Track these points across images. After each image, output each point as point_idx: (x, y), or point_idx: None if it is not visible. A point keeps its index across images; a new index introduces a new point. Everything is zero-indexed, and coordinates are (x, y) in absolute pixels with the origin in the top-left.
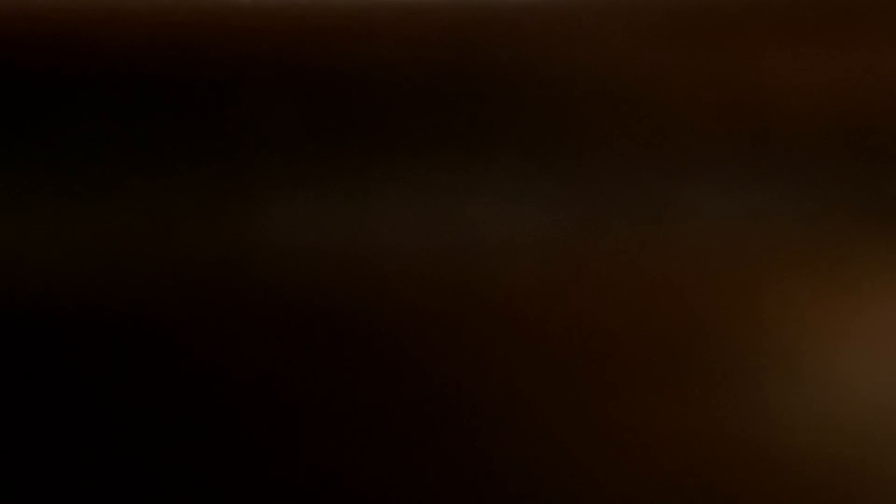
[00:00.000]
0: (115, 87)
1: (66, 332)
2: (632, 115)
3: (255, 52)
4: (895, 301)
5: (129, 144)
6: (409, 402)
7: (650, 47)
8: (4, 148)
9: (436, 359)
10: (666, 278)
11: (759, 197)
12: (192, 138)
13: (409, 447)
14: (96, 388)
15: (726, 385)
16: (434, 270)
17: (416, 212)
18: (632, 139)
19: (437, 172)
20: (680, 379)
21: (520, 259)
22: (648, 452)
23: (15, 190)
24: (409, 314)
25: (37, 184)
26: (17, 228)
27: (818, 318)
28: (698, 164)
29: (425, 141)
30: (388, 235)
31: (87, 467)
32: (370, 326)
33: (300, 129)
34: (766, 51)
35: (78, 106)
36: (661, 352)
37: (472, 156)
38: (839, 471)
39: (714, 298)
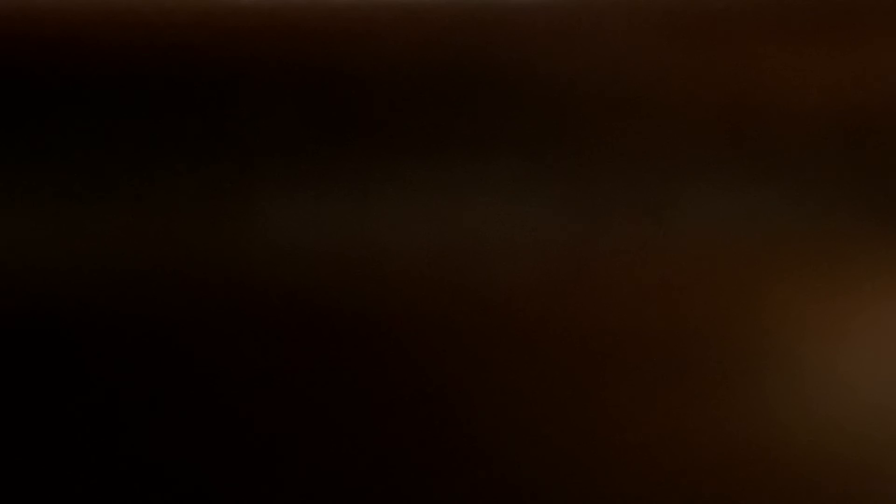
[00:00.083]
0: (115, 87)
1: (66, 332)
2: (632, 115)
3: (255, 52)
4: (895, 301)
5: (129, 144)
6: (408, 402)
7: (650, 47)
8: (4, 148)
9: (436, 359)
10: (666, 278)
11: (759, 197)
12: (192, 138)
13: (409, 447)
14: (96, 388)
15: (726, 385)
16: (434, 270)
17: (416, 212)
18: (632, 139)
19: (437, 172)
20: (680, 379)
21: (520, 259)
22: (648, 452)
23: (15, 190)
24: (409, 314)
25: (37, 184)
26: (17, 228)
27: (818, 318)
28: (698, 164)
29: (425, 141)
30: (388, 235)
31: (87, 467)
32: (370, 326)
33: (300, 129)
34: (765, 51)
35: (78, 106)
36: (661, 352)
37: (472, 156)
38: (839, 471)
39: (714, 298)
